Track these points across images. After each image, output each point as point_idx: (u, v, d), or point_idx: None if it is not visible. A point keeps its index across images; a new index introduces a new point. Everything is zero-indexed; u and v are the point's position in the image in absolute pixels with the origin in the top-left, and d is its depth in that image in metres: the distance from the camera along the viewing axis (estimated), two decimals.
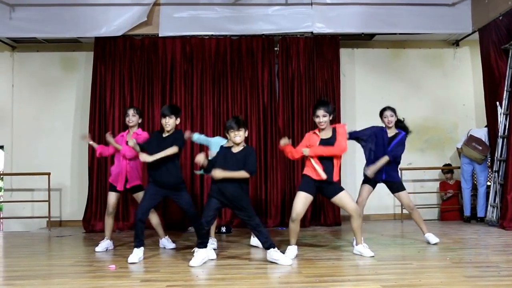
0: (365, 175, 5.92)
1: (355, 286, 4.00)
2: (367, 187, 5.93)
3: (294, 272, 4.54)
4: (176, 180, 5.37)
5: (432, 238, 5.92)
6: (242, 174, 4.94)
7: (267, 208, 8.08)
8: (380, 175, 5.86)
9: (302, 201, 5.17)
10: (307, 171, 5.23)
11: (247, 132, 5.15)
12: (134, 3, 8.08)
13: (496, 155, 7.68)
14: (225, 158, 5.04)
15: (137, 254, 5.15)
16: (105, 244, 5.95)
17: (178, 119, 5.46)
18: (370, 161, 5.84)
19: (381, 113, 6.00)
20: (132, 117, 6.03)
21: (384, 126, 5.97)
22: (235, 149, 5.06)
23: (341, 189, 5.19)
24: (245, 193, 5.06)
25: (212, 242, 5.72)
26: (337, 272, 4.57)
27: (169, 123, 5.35)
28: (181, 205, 5.49)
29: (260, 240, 5.01)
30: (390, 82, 9.09)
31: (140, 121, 6.13)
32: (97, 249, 5.88)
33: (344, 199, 5.16)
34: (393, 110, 5.96)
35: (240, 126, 5.00)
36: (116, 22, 8.08)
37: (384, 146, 5.82)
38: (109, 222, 6.05)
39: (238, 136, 5.00)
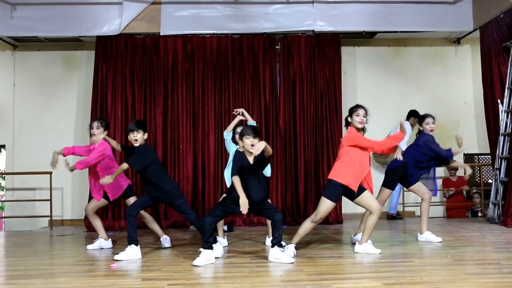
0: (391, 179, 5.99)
1: (356, 284, 4.00)
2: (389, 192, 6.02)
3: (295, 270, 4.54)
4: (161, 196, 5.39)
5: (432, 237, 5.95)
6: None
7: None
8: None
9: (329, 208, 5.22)
10: (341, 177, 5.13)
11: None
12: (135, 0, 8.07)
13: (497, 152, 7.67)
14: (243, 171, 4.90)
15: (127, 252, 5.17)
16: (102, 243, 5.99)
17: (146, 134, 5.44)
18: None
19: (423, 120, 6.05)
20: (96, 130, 5.91)
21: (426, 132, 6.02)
22: (251, 159, 4.92)
23: (364, 189, 5.23)
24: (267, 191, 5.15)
25: (222, 241, 5.75)
26: (338, 270, 4.58)
27: (137, 138, 5.34)
28: (179, 213, 5.60)
29: (275, 234, 4.93)
30: (392, 80, 9.09)
31: (105, 133, 5.92)
32: (89, 246, 5.95)
33: (368, 199, 5.22)
34: (434, 118, 6.08)
35: (256, 134, 4.89)
36: (117, 21, 8.10)
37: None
38: (96, 223, 6.06)
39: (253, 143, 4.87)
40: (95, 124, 6.01)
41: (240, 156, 4.96)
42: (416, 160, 5.89)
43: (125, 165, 5.30)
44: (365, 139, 5.25)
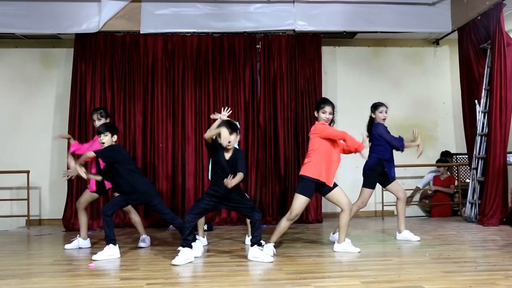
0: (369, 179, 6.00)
1: (335, 283, 4.02)
2: (370, 191, 6.03)
3: (274, 269, 4.56)
4: (137, 197, 5.36)
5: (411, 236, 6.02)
6: (240, 177, 4.85)
7: None
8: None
9: (303, 204, 5.21)
10: (313, 172, 5.15)
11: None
12: None
13: (474, 152, 7.78)
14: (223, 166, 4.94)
15: (105, 252, 5.14)
16: (80, 242, 5.95)
17: (115, 136, 5.40)
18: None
19: (376, 108, 6.03)
20: (98, 122, 5.98)
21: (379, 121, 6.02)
22: (227, 155, 4.96)
23: (336, 185, 5.26)
24: (240, 188, 5.13)
25: (202, 240, 5.71)
26: (317, 269, 4.61)
27: (104, 140, 5.32)
28: (156, 213, 5.64)
29: (254, 233, 4.95)
30: (372, 80, 9.15)
31: (107, 120, 6.02)
32: (67, 246, 5.90)
33: (338, 195, 5.25)
34: (387, 107, 6.06)
35: (233, 130, 4.92)
36: (96, 19, 7.99)
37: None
38: (82, 219, 6.00)
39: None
40: (95, 115, 6.03)
41: (219, 148, 4.99)
42: (384, 155, 5.93)
43: (91, 153, 5.23)
44: (333, 129, 5.24)
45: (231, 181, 4.74)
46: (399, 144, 5.91)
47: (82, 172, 5.15)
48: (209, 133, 4.95)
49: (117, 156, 5.30)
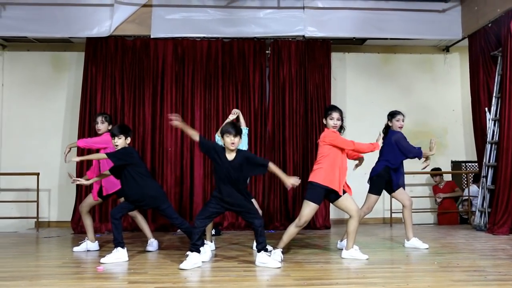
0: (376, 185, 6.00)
1: None
2: (375, 197, 6.01)
3: (282, 275, 4.55)
4: (146, 201, 5.37)
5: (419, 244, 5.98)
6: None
7: None
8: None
9: (312, 211, 5.21)
10: (323, 179, 5.16)
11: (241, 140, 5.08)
12: (127, 3, 8.04)
13: (484, 160, 7.73)
14: (225, 167, 4.94)
15: (114, 255, 5.15)
16: (88, 245, 5.97)
17: (129, 139, 5.42)
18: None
19: (393, 116, 6.04)
20: (101, 125, 6.03)
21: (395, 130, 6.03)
22: (230, 157, 4.98)
23: (344, 192, 5.24)
24: (248, 194, 5.16)
25: (210, 245, 5.71)
26: (325, 276, 4.59)
27: (118, 143, 5.33)
28: (164, 217, 5.67)
29: (259, 240, 4.95)
30: (381, 86, 9.13)
31: (109, 127, 6.00)
32: (76, 249, 5.92)
33: (347, 202, 5.24)
34: (404, 115, 6.08)
35: (237, 133, 4.94)
36: (107, 23, 8.05)
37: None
38: (87, 222, 6.03)
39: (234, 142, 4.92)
40: (99, 118, 6.08)
41: (219, 146, 5.05)
42: (393, 163, 5.92)
43: (103, 155, 5.29)
44: (342, 138, 5.22)
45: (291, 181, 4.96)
46: (416, 152, 5.91)
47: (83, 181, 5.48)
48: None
49: (129, 159, 5.30)
